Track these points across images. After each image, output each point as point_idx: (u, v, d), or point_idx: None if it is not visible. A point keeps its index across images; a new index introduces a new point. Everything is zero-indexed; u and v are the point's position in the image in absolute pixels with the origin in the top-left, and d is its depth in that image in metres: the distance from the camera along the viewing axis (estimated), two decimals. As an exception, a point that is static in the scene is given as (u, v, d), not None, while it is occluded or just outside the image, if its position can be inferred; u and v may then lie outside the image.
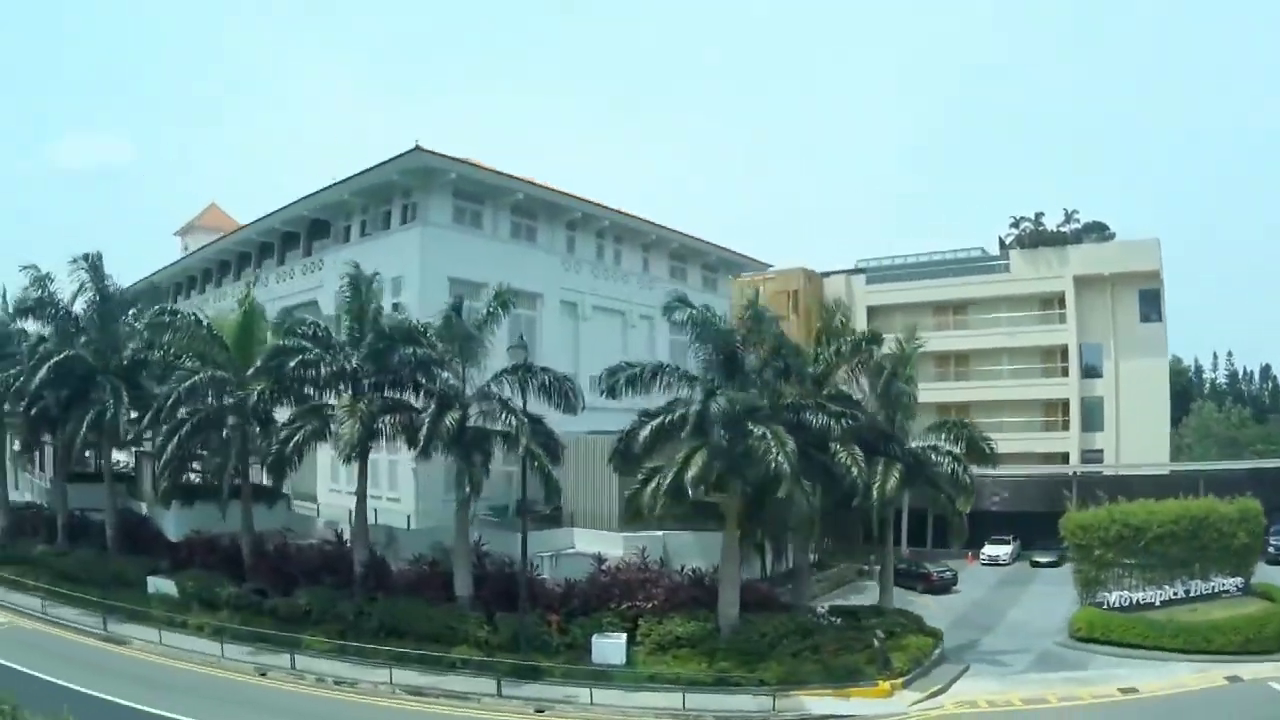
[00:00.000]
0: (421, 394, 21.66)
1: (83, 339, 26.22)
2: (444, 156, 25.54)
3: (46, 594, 24.13)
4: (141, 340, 25.21)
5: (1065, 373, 39.86)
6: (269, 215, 31.55)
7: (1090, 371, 39.43)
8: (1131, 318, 38.81)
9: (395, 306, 25.57)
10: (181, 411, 22.72)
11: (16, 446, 30.42)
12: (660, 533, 23.64)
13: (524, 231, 29.42)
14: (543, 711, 17.46)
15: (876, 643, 20.18)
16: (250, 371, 21.34)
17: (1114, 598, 24.96)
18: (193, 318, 23.28)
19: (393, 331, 20.65)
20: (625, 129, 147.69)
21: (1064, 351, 39.92)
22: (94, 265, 25.26)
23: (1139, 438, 38.13)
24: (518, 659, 19.24)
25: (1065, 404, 39.65)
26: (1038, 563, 36.79)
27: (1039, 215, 42.51)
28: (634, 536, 23.83)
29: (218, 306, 31.26)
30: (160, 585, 23.96)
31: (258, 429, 22.22)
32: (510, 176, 27.35)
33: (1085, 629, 23.83)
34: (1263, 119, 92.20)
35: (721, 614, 20.42)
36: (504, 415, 20.23)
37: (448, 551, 22.80)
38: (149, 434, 25.82)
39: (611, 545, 23.55)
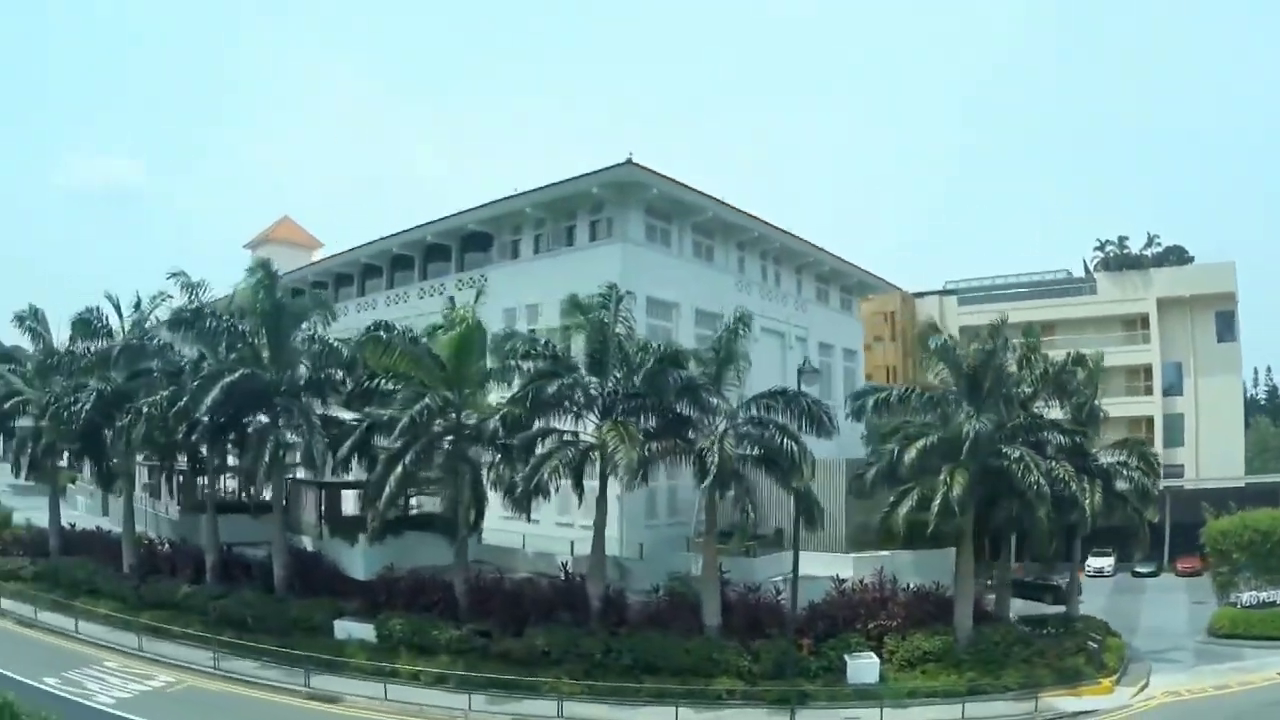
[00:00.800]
0: (659, 418, 20.89)
1: (233, 355, 23.64)
2: (652, 172, 24.97)
3: (213, 644, 21.66)
4: (336, 358, 23.02)
5: (1149, 391, 42.16)
6: (418, 226, 30.07)
7: (1171, 389, 41.74)
8: (1209, 337, 41.47)
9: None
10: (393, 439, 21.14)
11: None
12: (887, 553, 23.83)
13: (703, 251, 29.05)
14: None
15: (1094, 645, 22.35)
16: (510, 396, 20.16)
17: (1245, 597, 27.12)
18: (407, 335, 21.83)
19: (664, 355, 19.96)
20: (627, 129, 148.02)
21: (1148, 370, 42.19)
22: (268, 273, 23.06)
23: (1216, 452, 40.64)
24: (782, 686, 19.01)
25: (1149, 421, 41.86)
26: (1139, 573, 38.69)
27: (1123, 239, 45.16)
28: (863, 558, 23.91)
29: (345, 323, 29.33)
30: (353, 630, 21.81)
31: (499, 457, 20.88)
32: (705, 195, 26.93)
33: (1227, 626, 26.50)
34: (1263, 119, 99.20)
35: (958, 627, 21.18)
36: (783, 441, 19.85)
37: (684, 580, 22.20)
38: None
39: (841, 567, 23.51)
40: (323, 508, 26.75)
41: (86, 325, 27.07)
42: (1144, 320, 42.36)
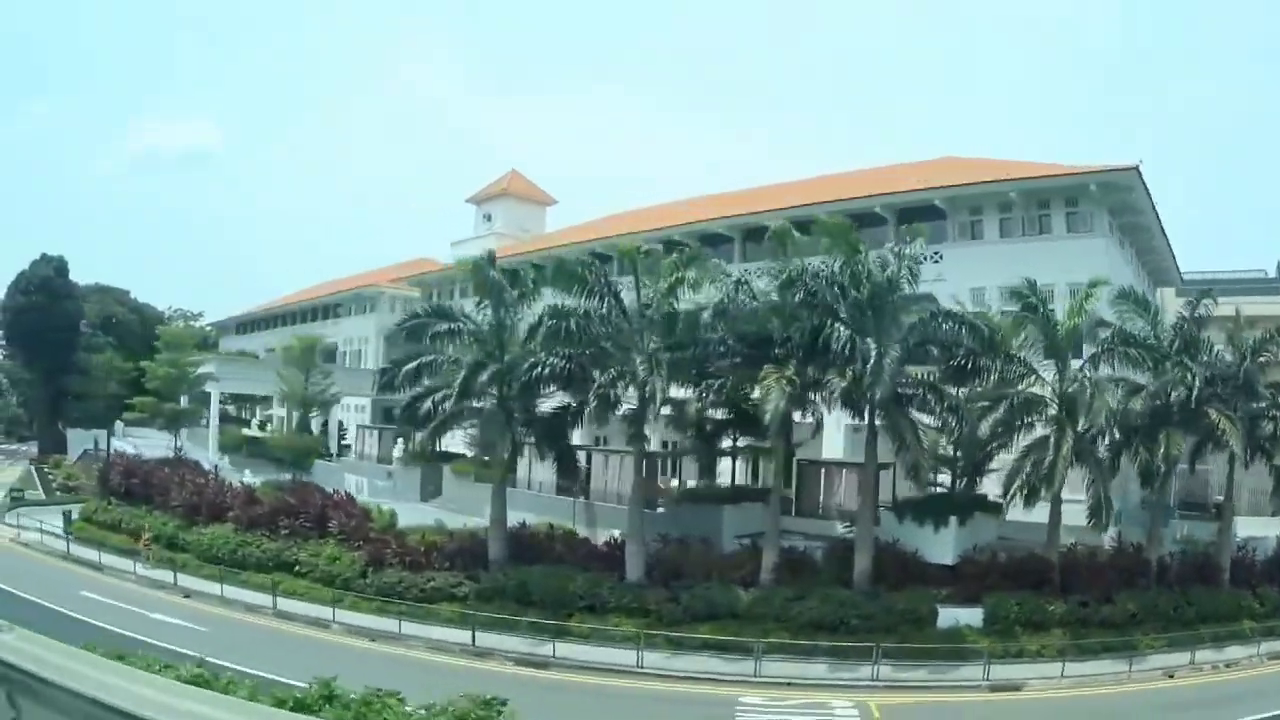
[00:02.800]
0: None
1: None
2: (1140, 178, 29.36)
3: (814, 652, 21.76)
4: (974, 335, 23.87)
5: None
6: (861, 198, 32.61)
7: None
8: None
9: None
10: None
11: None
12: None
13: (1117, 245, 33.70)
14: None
15: None
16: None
17: None
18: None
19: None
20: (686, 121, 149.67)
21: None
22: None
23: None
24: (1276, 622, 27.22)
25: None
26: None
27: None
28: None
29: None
30: (960, 616, 24.12)
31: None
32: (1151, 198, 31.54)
33: None
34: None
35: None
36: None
37: (1198, 543, 27.54)
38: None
39: (1269, 529, 29.57)
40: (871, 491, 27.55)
41: (578, 279, 25.51)
42: (1340, 321, 50.69)
